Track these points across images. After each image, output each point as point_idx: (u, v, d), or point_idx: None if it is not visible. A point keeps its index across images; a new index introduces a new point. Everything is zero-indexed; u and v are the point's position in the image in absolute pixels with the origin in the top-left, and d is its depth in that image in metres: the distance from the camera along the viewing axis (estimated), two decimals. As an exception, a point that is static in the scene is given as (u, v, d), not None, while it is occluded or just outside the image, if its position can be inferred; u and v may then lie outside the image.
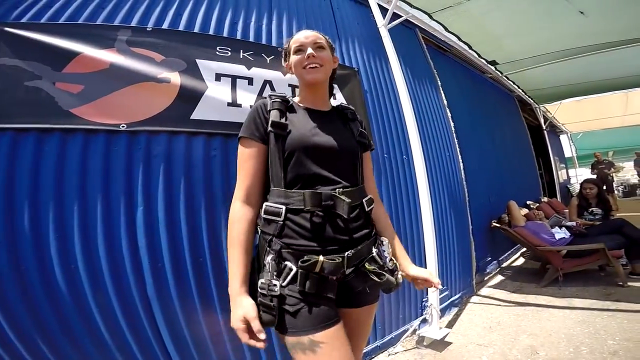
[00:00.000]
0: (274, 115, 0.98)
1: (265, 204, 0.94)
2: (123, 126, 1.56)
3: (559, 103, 7.51)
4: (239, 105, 1.81)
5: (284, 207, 0.91)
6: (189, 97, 1.70)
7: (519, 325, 2.48)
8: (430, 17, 3.70)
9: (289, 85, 2.04)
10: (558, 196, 7.63)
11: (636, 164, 10.31)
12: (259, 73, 1.95)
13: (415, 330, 2.46)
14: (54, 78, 1.50)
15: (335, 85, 1.84)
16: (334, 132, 1.03)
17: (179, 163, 1.63)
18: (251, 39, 2.13)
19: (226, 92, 1.80)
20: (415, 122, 2.63)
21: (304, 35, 1.06)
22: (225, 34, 2.04)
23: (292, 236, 0.90)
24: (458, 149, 3.52)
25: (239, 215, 0.94)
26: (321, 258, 0.86)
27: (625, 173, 14.37)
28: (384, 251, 1.02)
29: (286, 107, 1.04)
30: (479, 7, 3.40)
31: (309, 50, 1.02)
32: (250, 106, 1.81)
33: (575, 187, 8.64)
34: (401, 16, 3.22)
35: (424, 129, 3.08)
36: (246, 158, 0.98)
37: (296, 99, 1.13)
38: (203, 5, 2.07)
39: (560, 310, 2.65)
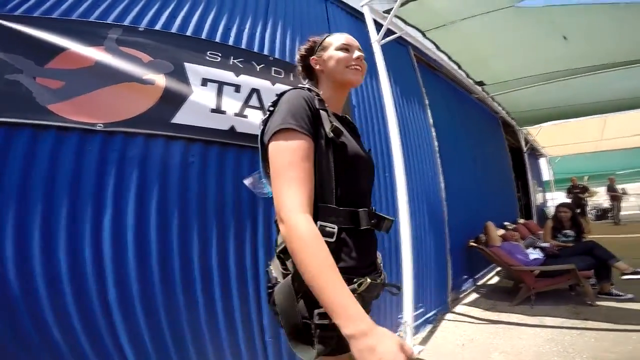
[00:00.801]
0: (327, 118, 0.84)
1: (320, 223, 0.77)
2: (99, 126, 1.51)
3: (540, 126, 7.76)
4: (223, 112, 1.78)
5: (336, 227, 0.79)
6: (172, 101, 1.66)
7: (491, 343, 2.51)
8: (424, 35, 3.77)
9: (277, 95, 2.00)
10: (534, 218, 7.85)
11: (609, 189, 10.73)
12: (247, 81, 1.93)
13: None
14: (35, 73, 1.45)
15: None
16: (360, 145, 0.98)
17: (154, 167, 1.58)
18: (243, 46, 2.11)
19: (211, 97, 1.77)
20: (399, 140, 2.65)
21: (350, 37, 1.02)
22: (217, 39, 2.02)
23: (342, 258, 0.80)
24: (440, 168, 3.58)
25: (314, 230, 0.70)
26: (368, 280, 0.79)
27: (599, 197, 14.98)
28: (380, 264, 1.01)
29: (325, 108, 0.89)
30: (470, 27, 3.48)
31: (359, 53, 0.99)
32: (235, 114, 1.79)
33: (551, 210, 8.91)
34: (395, 32, 3.26)
35: (408, 146, 3.12)
36: (302, 157, 0.76)
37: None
38: (199, 8, 2.05)
39: (532, 328, 2.70)
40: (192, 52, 1.82)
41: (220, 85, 1.83)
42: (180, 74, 1.73)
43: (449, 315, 3.23)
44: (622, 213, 10.96)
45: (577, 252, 3.48)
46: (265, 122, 0.88)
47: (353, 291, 0.72)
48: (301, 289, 0.74)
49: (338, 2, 3.28)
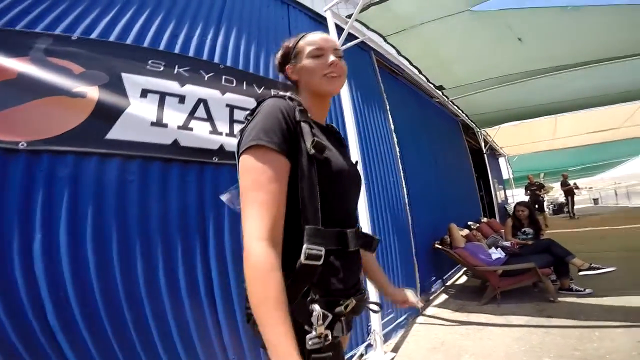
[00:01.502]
0: (307, 131, 0.76)
1: (306, 247, 0.71)
2: (23, 144, 1.34)
3: (498, 127, 8.13)
4: (164, 125, 1.65)
5: (323, 250, 0.72)
6: (106, 115, 1.51)
7: (462, 346, 2.54)
8: (385, 39, 3.79)
9: (227, 105, 1.92)
10: (497, 216, 8.20)
11: (562, 184, 11.43)
12: (193, 90, 1.82)
13: (362, 356, 2.44)
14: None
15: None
16: (346, 158, 0.89)
17: (88, 188, 1.43)
18: (190, 54, 1.99)
19: (151, 110, 1.64)
20: (358, 146, 2.63)
21: (323, 39, 0.90)
22: (161, 47, 1.89)
23: (329, 280, 0.77)
24: (402, 174, 3.62)
25: (270, 262, 0.64)
26: (353, 301, 0.78)
27: (555, 193, 15.98)
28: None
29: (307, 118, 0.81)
30: (431, 31, 3.55)
31: (333, 57, 0.86)
32: (179, 126, 1.67)
33: (512, 207, 9.37)
34: (357, 37, 3.26)
35: (369, 153, 3.12)
36: (270, 178, 0.69)
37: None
38: (144, 14, 1.91)
39: (500, 328, 2.77)
40: (131, 62, 1.68)
41: (162, 96, 1.70)
42: (116, 86, 1.59)
43: (420, 319, 3.26)
44: (576, 207, 11.70)
45: (537, 251, 3.63)
46: (241, 133, 0.80)
47: (339, 314, 0.74)
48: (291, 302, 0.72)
49: (300, 7, 3.24)
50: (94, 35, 1.68)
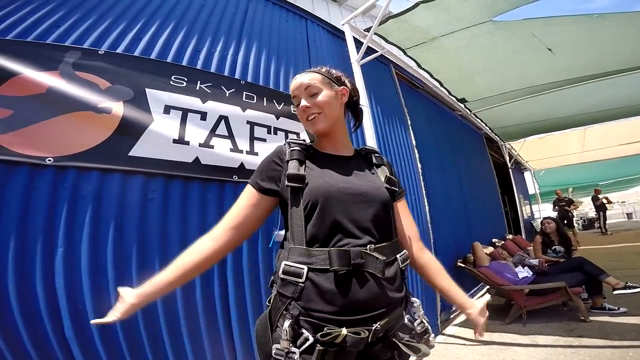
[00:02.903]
0: (291, 167, 0.89)
1: (284, 263, 0.83)
2: (49, 160, 1.37)
3: (524, 140, 7.86)
4: (187, 143, 1.66)
5: (305, 267, 0.80)
6: (130, 131, 1.54)
7: None
8: (405, 53, 3.75)
9: (247, 122, 1.92)
10: (522, 232, 7.87)
11: (593, 199, 10.90)
12: (215, 107, 1.83)
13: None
14: (-17, 100, 1.31)
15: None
16: (361, 178, 0.94)
17: (110, 205, 1.45)
18: (212, 70, 2.02)
19: (174, 127, 1.65)
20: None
21: (296, 85, 0.97)
22: (184, 63, 1.92)
23: (312, 300, 0.78)
24: (424, 191, 3.51)
25: (195, 244, 0.90)
26: (344, 331, 0.74)
27: (584, 207, 15.26)
28: (415, 313, 0.90)
29: (306, 155, 0.94)
30: (452, 43, 3.48)
31: (302, 102, 0.95)
32: (200, 144, 1.68)
33: (538, 222, 9.01)
34: (376, 51, 3.24)
35: (390, 170, 3.06)
36: (242, 203, 0.93)
37: (316, 145, 1.03)
38: (167, 29, 1.97)
39: (524, 348, 2.61)
40: (155, 77, 1.71)
41: (185, 112, 1.71)
42: (140, 101, 1.61)
43: (439, 338, 3.11)
44: (608, 222, 11.11)
45: (567, 269, 3.46)
46: None
47: (316, 341, 0.74)
48: (275, 321, 0.81)
49: (319, 21, 3.25)
50: (119, 50, 1.73)
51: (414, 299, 0.92)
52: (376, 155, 1.07)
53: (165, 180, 1.59)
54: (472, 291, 4.51)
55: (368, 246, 0.82)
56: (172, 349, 1.49)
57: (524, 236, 7.25)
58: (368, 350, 0.79)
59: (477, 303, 0.96)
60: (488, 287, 4.71)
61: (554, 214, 9.68)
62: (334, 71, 1.02)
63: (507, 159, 8.10)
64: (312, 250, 0.81)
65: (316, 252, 0.81)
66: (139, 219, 1.50)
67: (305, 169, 0.90)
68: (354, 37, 3.06)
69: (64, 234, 1.36)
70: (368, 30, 3.08)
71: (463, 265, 3.86)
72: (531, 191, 12.70)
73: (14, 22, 1.51)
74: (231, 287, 1.72)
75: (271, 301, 0.85)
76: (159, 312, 1.48)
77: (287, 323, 0.76)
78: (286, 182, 0.87)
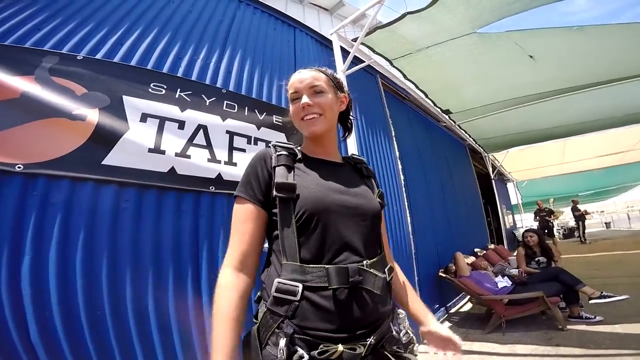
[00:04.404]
0: (279, 174, 0.83)
1: (276, 280, 0.77)
2: (19, 167, 1.34)
3: (506, 152, 8.04)
4: (162, 152, 1.63)
5: (300, 285, 0.75)
6: (104, 139, 1.51)
7: None
8: (391, 63, 3.79)
9: (227, 132, 1.91)
10: (504, 241, 8.00)
11: (573, 209, 11.20)
12: (193, 116, 1.81)
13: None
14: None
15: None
16: (355, 189, 0.89)
17: (80, 214, 1.41)
18: (193, 77, 2.00)
19: (150, 135, 1.63)
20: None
21: (299, 79, 0.90)
22: (165, 70, 1.90)
23: (308, 318, 0.75)
24: (406, 203, 3.53)
25: (230, 283, 0.78)
26: (340, 348, 0.72)
27: (565, 216, 15.68)
28: (400, 324, 0.88)
29: (294, 160, 0.88)
30: (437, 54, 3.54)
31: (304, 99, 0.87)
32: (176, 153, 1.66)
33: (520, 232, 9.18)
34: (363, 61, 3.27)
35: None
36: (242, 219, 0.83)
37: (304, 150, 0.96)
38: (150, 35, 1.95)
39: (504, 357, 2.65)
40: (134, 84, 1.69)
41: (162, 121, 1.69)
42: (116, 109, 1.58)
43: (420, 348, 3.11)
44: (587, 231, 11.41)
45: (545, 279, 3.55)
46: None
47: (311, 359, 0.72)
48: (265, 339, 0.76)
49: (307, 30, 3.26)
50: (99, 55, 1.70)
51: (399, 310, 0.92)
52: (365, 166, 1.02)
53: (139, 190, 1.56)
54: (454, 300, 4.56)
55: (365, 262, 0.80)
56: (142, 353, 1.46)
57: (505, 246, 7.37)
58: None
59: (435, 327, 0.94)
60: (469, 296, 4.80)
61: (535, 224, 9.90)
62: (336, 76, 0.97)
63: (490, 169, 8.25)
64: (307, 267, 0.77)
65: (312, 269, 0.77)
66: (110, 229, 1.46)
67: (294, 176, 0.84)
68: (341, 47, 3.08)
69: (32, 241, 1.31)
70: (355, 40, 3.10)
71: (444, 275, 3.90)
72: (514, 201, 12.94)
73: None
74: (205, 298, 1.69)
75: (259, 318, 0.81)
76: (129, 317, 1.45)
77: (282, 342, 0.73)
78: (274, 192, 0.81)
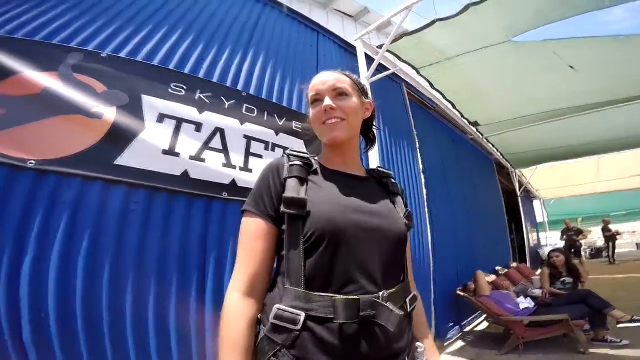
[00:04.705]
0: (290, 188, 0.75)
1: (277, 307, 0.69)
2: (31, 163, 1.32)
3: (535, 168, 7.66)
4: (177, 155, 1.59)
5: (303, 314, 0.67)
6: (119, 138, 1.48)
7: None
8: (418, 72, 3.66)
9: (245, 136, 1.86)
10: (528, 260, 7.66)
11: (604, 230, 10.66)
12: (211, 119, 1.76)
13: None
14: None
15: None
16: (377, 208, 0.79)
17: (88, 214, 1.38)
18: (215, 79, 1.96)
19: (165, 136, 1.59)
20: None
21: (321, 81, 0.82)
22: (186, 70, 1.88)
23: (308, 350, 0.67)
24: (427, 219, 3.40)
25: (238, 310, 0.71)
26: None
27: (593, 236, 14.98)
28: (418, 358, 0.79)
29: (309, 172, 0.80)
30: (467, 63, 3.37)
31: (327, 102, 0.79)
32: (191, 157, 1.61)
33: (545, 251, 8.76)
34: (389, 69, 3.18)
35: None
36: (251, 237, 0.75)
37: (322, 160, 0.88)
38: (174, 36, 1.95)
39: None
40: (154, 83, 1.66)
41: (179, 122, 1.65)
42: (134, 108, 1.56)
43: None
44: (617, 251, 10.85)
45: (571, 301, 3.39)
46: None
47: None
48: (262, 357, 0.70)
49: (330, 35, 3.20)
50: (123, 54, 1.70)
51: (418, 343, 0.82)
52: (392, 181, 0.92)
53: (149, 193, 1.52)
54: (470, 318, 4.39)
55: (381, 294, 0.69)
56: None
57: (529, 264, 7.06)
58: None
59: None
60: (485, 315, 4.60)
61: (562, 243, 9.45)
62: (361, 81, 0.89)
63: (517, 186, 7.85)
64: (312, 294, 0.68)
65: (317, 297, 0.68)
66: (117, 231, 1.43)
67: (306, 190, 0.76)
68: (366, 54, 2.99)
69: (36, 239, 1.30)
70: (381, 47, 3.01)
71: (462, 294, 3.74)
72: (539, 219, 12.43)
73: (25, 21, 1.51)
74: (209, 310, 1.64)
75: (256, 342, 0.73)
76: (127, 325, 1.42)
77: None
78: (282, 208, 0.73)
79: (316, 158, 0.87)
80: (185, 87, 1.76)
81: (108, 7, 1.78)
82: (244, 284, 0.73)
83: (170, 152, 1.57)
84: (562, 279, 4.00)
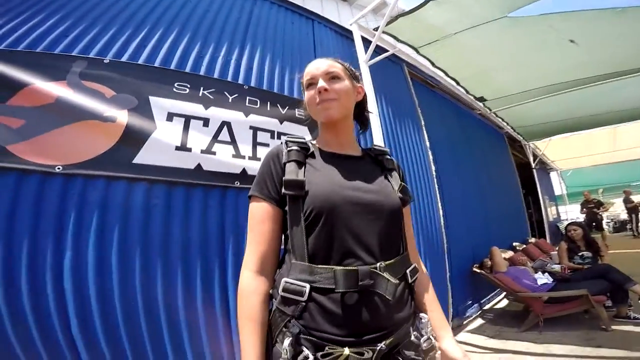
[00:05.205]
0: (289, 171, 0.82)
1: (284, 280, 0.76)
2: (58, 168, 1.44)
3: (548, 139, 7.49)
4: (189, 150, 1.69)
5: (308, 286, 0.74)
6: (134, 139, 1.58)
7: None
8: (417, 51, 3.64)
9: (250, 127, 1.93)
10: (547, 235, 7.52)
11: (625, 201, 10.31)
12: (217, 114, 1.84)
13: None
14: (-2, 110, 1.38)
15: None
16: (372, 184, 0.86)
17: (115, 211, 1.50)
18: (215, 75, 2.04)
19: (176, 133, 1.69)
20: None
21: (315, 66, 0.90)
22: (187, 69, 1.96)
23: (315, 319, 0.74)
24: (438, 195, 3.41)
25: (251, 287, 0.79)
26: (346, 351, 0.70)
27: (616, 208, 14.48)
28: (422, 329, 0.83)
29: (306, 155, 0.87)
30: (467, 40, 3.32)
31: (320, 83, 0.86)
32: (202, 150, 1.70)
33: (564, 225, 8.58)
34: (387, 51, 3.18)
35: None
36: (259, 220, 0.83)
37: (318, 143, 0.95)
38: (171, 36, 2.01)
39: (538, 357, 2.51)
40: (159, 84, 1.75)
41: (187, 119, 1.74)
42: (144, 109, 1.66)
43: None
44: (641, 224, 10.48)
45: (590, 276, 3.30)
46: None
47: None
48: (274, 337, 0.76)
49: (326, 22, 3.22)
50: (124, 58, 1.78)
51: (422, 314, 0.85)
52: (387, 157, 0.97)
53: (167, 187, 1.63)
54: (489, 296, 4.38)
55: (378, 264, 0.76)
56: (171, 344, 1.53)
57: (548, 239, 6.93)
58: None
59: (446, 346, 0.87)
60: (505, 292, 4.58)
61: (582, 217, 9.23)
62: (353, 68, 0.95)
63: (531, 158, 7.68)
64: (315, 267, 0.75)
65: (320, 269, 0.75)
66: (143, 224, 1.54)
67: (304, 172, 0.83)
68: (363, 38, 3.01)
69: (72, 238, 1.41)
70: (376, 29, 3.01)
71: (479, 270, 3.73)
72: (557, 192, 12.07)
73: (25, 32, 1.59)
74: (231, 291, 1.74)
75: (270, 316, 0.80)
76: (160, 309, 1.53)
77: (287, 341, 0.71)
78: (283, 189, 0.80)
79: (313, 142, 0.94)
80: (188, 85, 1.84)
81: (102, 12, 1.85)
82: (254, 263, 0.80)
83: (183, 147, 1.67)
84: (580, 253, 3.92)
